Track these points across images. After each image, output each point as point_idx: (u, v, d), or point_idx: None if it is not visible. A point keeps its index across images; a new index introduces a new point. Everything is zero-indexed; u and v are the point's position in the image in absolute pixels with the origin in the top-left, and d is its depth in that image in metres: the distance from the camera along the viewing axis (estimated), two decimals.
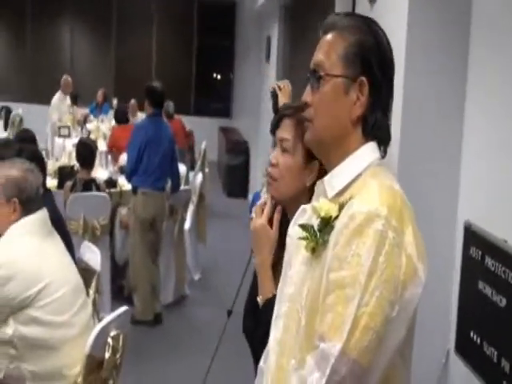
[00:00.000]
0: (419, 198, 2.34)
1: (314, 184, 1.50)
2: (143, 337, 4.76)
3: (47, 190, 3.77)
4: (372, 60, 1.34)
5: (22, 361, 2.51)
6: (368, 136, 1.36)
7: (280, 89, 3.41)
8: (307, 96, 1.40)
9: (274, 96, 3.18)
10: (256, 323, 1.66)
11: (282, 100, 3.44)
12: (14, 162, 2.77)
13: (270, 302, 1.55)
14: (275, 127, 1.75)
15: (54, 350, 2.55)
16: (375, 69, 1.34)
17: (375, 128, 1.36)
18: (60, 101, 9.10)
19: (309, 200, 1.48)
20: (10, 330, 2.50)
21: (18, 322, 2.50)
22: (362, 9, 3.39)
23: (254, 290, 1.77)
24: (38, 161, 3.52)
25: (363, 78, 1.33)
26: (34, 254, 2.61)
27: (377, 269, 1.19)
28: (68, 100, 9.31)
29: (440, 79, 2.80)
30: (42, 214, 2.72)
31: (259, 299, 1.69)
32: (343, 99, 1.35)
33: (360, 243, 1.20)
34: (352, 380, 1.18)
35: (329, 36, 1.38)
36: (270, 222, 1.73)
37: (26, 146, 3.98)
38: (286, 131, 1.69)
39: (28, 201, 2.67)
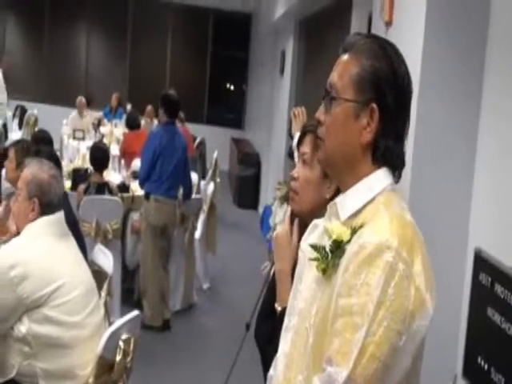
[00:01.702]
0: (430, 224, 2.36)
1: (333, 197, 1.52)
2: (151, 342, 4.78)
3: (63, 192, 3.82)
4: (385, 87, 1.33)
5: (35, 359, 2.54)
6: (378, 162, 1.36)
7: (295, 116, 3.47)
8: (320, 114, 1.40)
9: (290, 122, 3.24)
10: (273, 330, 1.68)
11: (295, 127, 3.50)
12: (43, 163, 2.81)
13: None
14: (299, 143, 1.82)
15: (66, 349, 2.58)
16: (388, 96, 1.33)
17: (386, 155, 1.35)
18: (75, 120, 9.22)
19: None
20: (24, 328, 2.53)
21: (32, 320, 2.53)
22: (378, 29, 3.38)
23: (270, 295, 1.81)
24: (55, 162, 3.58)
25: (374, 105, 1.33)
26: (50, 255, 2.64)
27: (385, 300, 1.20)
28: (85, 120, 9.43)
29: (454, 103, 2.79)
30: (59, 216, 2.76)
31: (277, 305, 1.72)
32: (353, 124, 1.34)
33: (370, 273, 1.21)
34: None
35: (345, 57, 1.38)
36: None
37: (43, 147, 4.04)
38: (307, 145, 1.77)
39: (48, 205, 2.71)
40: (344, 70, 1.37)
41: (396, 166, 1.38)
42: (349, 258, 1.26)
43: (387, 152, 1.35)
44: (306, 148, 1.77)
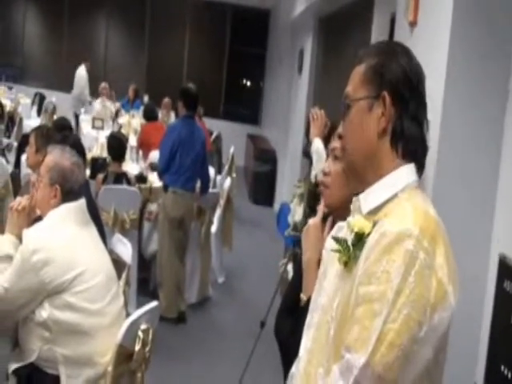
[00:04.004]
0: (453, 229, 2.33)
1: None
2: (166, 333, 4.78)
3: (85, 180, 3.84)
4: (393, 75, 1.36)
5: (55, 344, 2.55)
6: (398, 149, 1.36)
7: (313, 118, 3.45)
8: (340, 128, 1.47)
9: (308, 123, 3.22)
10: (296, 322, 1.69)
11: (313, 131, 3.48)
12: (65, 150, 2.83)
13: None
14: (328, 139, 1.83)
15: (86, 336, 2.59)
16: (396, 82, 1.36)
17: (404, 138, 1.36)
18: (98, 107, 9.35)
19: None
20: (45, 313, 2.54)
21: (53, 306, 2.54)
22: (401, 29, 3.34)
23: (292, 290, 1.83)
24: (80, 150, 3.60)
25: (385, 93, 1.35)
26: (71, 241, 2.65)
27: (405, 287, 1.19)
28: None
29: (480, 104, 2.75)
30: (81, 203, 2.77)
31: (303, 295, 1.73)
32: (368, 117, 1.37)
33: (390, 260, 1.21)
34: None
35: (357, 67, 1.42)
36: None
37: (69, 134, 4.06)
38: (336, 141, 1.77)
39: (69, 192, 2.72)
40: (354, 77, 1.42)
41: (415, 151, 1.38)
42: (369, 246, 1.27)
43: (405, 135, 1.36)
44: (336, 143, 1.77)
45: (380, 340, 1.19)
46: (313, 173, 3.62)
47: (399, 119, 1.36)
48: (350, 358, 1.21)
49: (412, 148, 1.38)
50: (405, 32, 3.24)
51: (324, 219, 1.81)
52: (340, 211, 1.70)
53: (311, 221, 1.82)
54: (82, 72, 11.41)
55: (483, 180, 2.79)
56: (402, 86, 1.36)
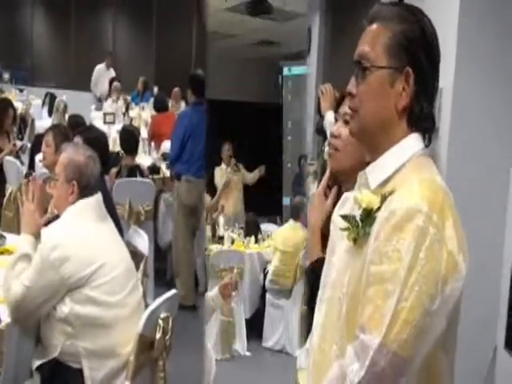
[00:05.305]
0: (468, 199, 2.30)
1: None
2: (185, 321, 4.83)
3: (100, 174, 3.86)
4: (418, 50, 1.33)
5: (77, 338, 2.57)
6: (413, 126, 1.36)
7: (322, 93, 3.43)
8: (352, 87, 1.39)
9: (318, 100, 3.21)
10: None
11: (324, 105, 3.46)
12: (79, 146, 2.85)
13: (317, 262, 1.64)
14: (339, 105, 1.82)
15: (107, 328, 2.62)
16: (421, 59, 1.33)
17: (421, 118, 1.35)
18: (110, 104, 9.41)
19: None
20: (66, 308, 2.56)
21: (73, 301, 2.57)
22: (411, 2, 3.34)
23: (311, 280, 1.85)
24: (104, 145, 3.63)
25: (409, 69, 1.32)
26: (89, 236, 2.68)
27: (417, 264, 1.19)
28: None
29: (491, 81, 2.74)
30: (98, 198, 2.80)
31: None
32: (389, 90, 1.34)
33: (400, 239, 1.21)
34: (392, 371, 1.20)
35: (373, 26, 1.37)
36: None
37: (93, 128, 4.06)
38: (348, 102, 1.76)
39: (86, 186, 2.75)
40: (374, 39, 1.36)
41: (428, 128, 1.39)
42: (379, 224, 1.26)
43: (422, 115, 1.35)
44: (347, 108, 1.76)
45: (394, 319, 1.19)
46: (326, 149, 3.62)
47: (418, 99, 1.35)
48: (364, 339, 1.22)
49: (424, 125, 1.37)
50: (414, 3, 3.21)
51: (330, 187, 1.82)
52: (347, 177, 1.71)
53: (317, 189, 1.86)
54: (96, 68, 11.56)
55: (494, 180, 2.76)
56: (427, 64, 1.35)
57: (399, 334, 1.19)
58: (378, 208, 1.29)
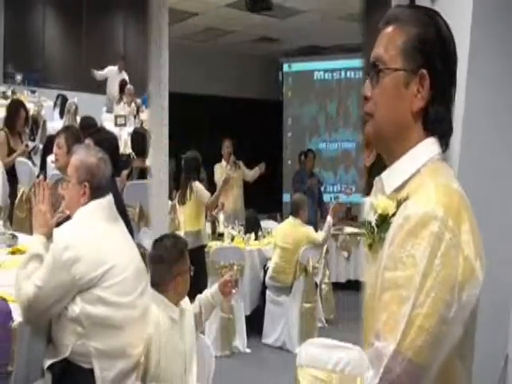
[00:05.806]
0: (480, 200, 2.28)
1: None
2: None
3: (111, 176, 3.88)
4: (433, 53, 1.32)
5: (88, 338, 2.58)
6: (429, 130, 1.34)
7: None
8: (367, 90, 1.38)
9: None
10: None
11: None
12: (90, 148, 2.86)
13: None
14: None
15: (118, 329, 2.62)
16: (436, 61, 1.32)
17: (437, 121, 1.34)
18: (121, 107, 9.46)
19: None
20: (77, 308, 2.57)
21: (84, 301, 2.57)
22: (422, 2, 3.23)
23: None
24: (115, 147, 3.65)
25: (424, 71, 1.32)
26: (101, 237, 2.69)
27: (432, 270, 1.17)
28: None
29: (504, 80, 2.71)
30: (109, 199, 2.81)
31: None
32: (404, 92, 1.33)
33: (415, 244, 1.19)
34: (408, 378, 1.17)
35: (389, 29, 1.37)
36: None
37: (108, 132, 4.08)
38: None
39: (97, 188, 2.76)
40: (390, 41, 1.36)
41: (445, 133, 1.37)
42: (394, 230, 1.25)
43: (438, 119, 1.34)
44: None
45: (409, 325, 1.17)
46: None
47: (434, 103, 1.34)
48: (379, 346, 1.20)
49: (441, 129, 1.36)
50: (425, 5, 3.20)
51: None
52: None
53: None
54: (109, 67, 11.64)
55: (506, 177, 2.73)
56: (442, 67, 1.34)
57: (414, 340, 1.17)
58: (394, 213, 1.28)
